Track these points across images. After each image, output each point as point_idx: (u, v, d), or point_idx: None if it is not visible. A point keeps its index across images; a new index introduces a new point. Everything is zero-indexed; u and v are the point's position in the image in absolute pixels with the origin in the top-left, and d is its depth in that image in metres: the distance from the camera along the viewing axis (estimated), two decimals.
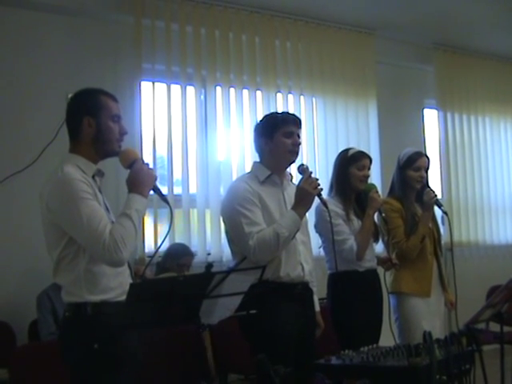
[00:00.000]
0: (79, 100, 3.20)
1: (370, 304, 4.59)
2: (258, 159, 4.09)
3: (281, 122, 3.93)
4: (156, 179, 3.16)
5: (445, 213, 4.90)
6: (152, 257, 5.51)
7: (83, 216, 2.91)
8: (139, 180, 3.07)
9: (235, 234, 3.86)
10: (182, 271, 5.60)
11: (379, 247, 5.06)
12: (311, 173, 3.85)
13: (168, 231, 3.45)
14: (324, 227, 4.50)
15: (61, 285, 3.08)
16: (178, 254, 5.67)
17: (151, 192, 3.16)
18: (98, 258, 2.95)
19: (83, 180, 2.98)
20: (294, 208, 3.79)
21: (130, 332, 3.02)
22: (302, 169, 3.89)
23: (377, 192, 4.64)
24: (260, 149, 4.02)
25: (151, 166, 3.13)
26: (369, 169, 4.73)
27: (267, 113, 4.29)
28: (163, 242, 3.65)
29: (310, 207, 3.87)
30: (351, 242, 4.51)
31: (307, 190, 3.76)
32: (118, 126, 3.16)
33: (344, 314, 4.51)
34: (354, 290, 4.53)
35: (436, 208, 4.86)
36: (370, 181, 4.75)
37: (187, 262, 5.73)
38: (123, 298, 2.95)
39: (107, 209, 3.14)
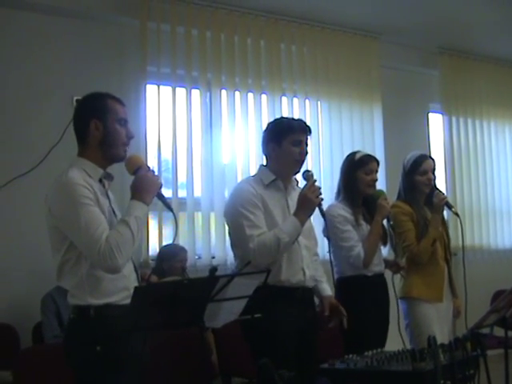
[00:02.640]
0: (87, 103, 3.22)
1: (378, 308, 4.57)
2: (263, 162, 4.10)
3: (290, 129, 3.91)
4: (161, 186, 3.16)
5: (456, 214, 4.89)
6: (159, 260, 5.52)
7: (81, 221, 2.92)
8: (142, 187, 3.07)
9: (236, 236, 3.87)
10: (182, 267, 5.68)
11: (385, 250, 5.03)
12: (315, 181, 3.85)
13: (174, 239, 3.44)
14: (332, 232, 4.47)
15: (65, 288, 3.09)
16: (172, 252, 5.68)
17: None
18: (95, 264, 2.96)
19: (85, 185, 2.99)
20: (295, 214, 3.79)
21: (135, 335, 3.02)
22: (307, 175, 3.90)
23: (385, 199, 4.60)
24: (268, 153, 4.02)
25: (156, 169, 3.15)
26: (376, 172, 4.71)
27: (277, 117, 4.28)
28: (167, 249, 3.60)
29: (311, 214, 3.87)
30: (359, 249, 4.48)
31: (310, 198, 3.76)
32: (124, 129, 3.17)
33: (351, 318, 4.45)
34: (362, 295, 4.52)
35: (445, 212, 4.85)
36: (376, 184, 4.72)
37: (184, 257, 5.78)
38: (129, 301, 2.96)
39: (114, 213, 3.15)
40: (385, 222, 4.63)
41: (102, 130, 3.11)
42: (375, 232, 4.54)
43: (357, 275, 4.53)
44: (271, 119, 4.32)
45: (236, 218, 3.82)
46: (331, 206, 4.62)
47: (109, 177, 3.23)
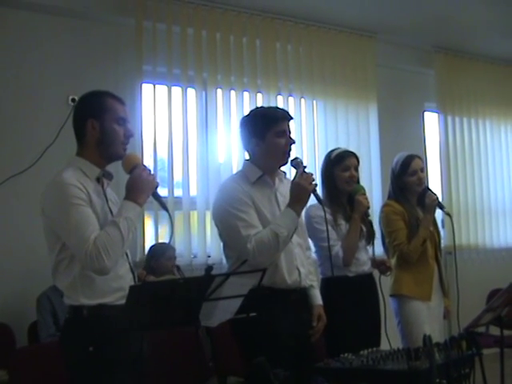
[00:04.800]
0: (84, 102, 3.20)
1: (363, 309, 4.44)
2: (246, 157, 3.96)
3: (272, 121, 3.74)
4: (156, 186, 3.13)
5: (448, 214, 4.88)
6: (150, 260, 5.51)
7: (71, 222, 2.91)
8: (136, 187, 3.05)
9: (231, 238, 3.73)
10: (171, 265, 5.69)
11: (379, 250, 5.02)
12: (305, 167, 3.74)
13: (170, 240, 3.38)
14: (312, 232, 4.37)
15: (60, 288, 3.09)
16: (160, 251, 5.68)
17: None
18: (83, 265, 2.94)
19: (78, 185, 2.97)
20: (290, 205, 3.66)
21: (130, 335, 3.01)
22: (296, 162, 3.77)
23: (363, 194, 4.50)
24: (250, 149, 3.85)
25: (152, 168, 3.13)
26: (356, 168, 4.56)
27: (253, 109, 4.04)
28: (157, 247, 3.52)
29: (306, 203, 3.75)
30: (337, 249, 4.36)
31: (303, 186, 3.64)
32: (123, 128, 3.14)
33: (334, 320, 4.20)
34: (344, 296, 4.39)
35: (437, 211, 4.85)
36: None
37: (172, 255, 5.76)
38: (124, 301, 2.96)
39: (112, 213, 3.11)
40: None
41: (98, 129, 3.10)
42: (353, 229, 4.42)
43: (338, 276, 4.35)
44: None
45: (228, 219, 3.67)
46: (310, 207, 4.35)
47: (108, 175, 3.21)
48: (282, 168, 3.97)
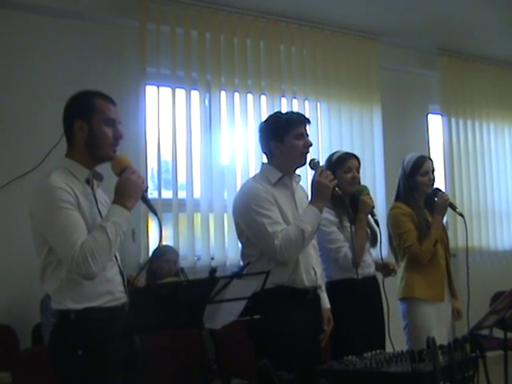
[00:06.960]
0: (72, 103, 3.15)
1: (369, 312, 4.46)
2: (264, 161, 4.08)
3: (291, 124, 3.89)
4: (145, 190, 3.10)
5: (460, 214, 4.88)
6: (145, 263, 5.51)
7: (58, 226, 2.89)
8: (123, 190, 3.02)
9: (257, 236, 3.80)
10: (170, 268, 5.64)
11: (385, 253, 5.00)
12: (323, 166, 3.88)
13: (159, 242, 3.32)
14: (319, 235, 4.34)
15: (47, 292, 3.08)
16: (161, 252, 5.66)
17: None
18: (70, 270, 2.92)
19: (65, 188, 2.94)
20: (312, 203, 3.80)
21: (119, 337, 2.99)
22: (314, 163, 3.92)
23: (368, 194, 4.53)
24: (269, 151, 3.98)
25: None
26: (357, 169, 4.60)
27: (272, 113, 4.20)
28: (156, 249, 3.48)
29: (327, 200, 3.90)
30: (346, 250, 4.39)
31: (325, 184, 3.77)
32: (112, 129, 3.10)
33: (340, 323, 4.26)
34: (351, 299, 4.42)
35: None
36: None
37: (172, 258, 5.73)
38: (112, 304, 2.98)
39: (101, 214, 3.08)
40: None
41: (86, 130, 3.06)
42: (360, 230, 4.45)
43: (345, 279, 4.43)
44: None
45: (254, 217, 3.77)
46: None
47: (98, 176, 3.19)
48: (297, 171, 4.08)
